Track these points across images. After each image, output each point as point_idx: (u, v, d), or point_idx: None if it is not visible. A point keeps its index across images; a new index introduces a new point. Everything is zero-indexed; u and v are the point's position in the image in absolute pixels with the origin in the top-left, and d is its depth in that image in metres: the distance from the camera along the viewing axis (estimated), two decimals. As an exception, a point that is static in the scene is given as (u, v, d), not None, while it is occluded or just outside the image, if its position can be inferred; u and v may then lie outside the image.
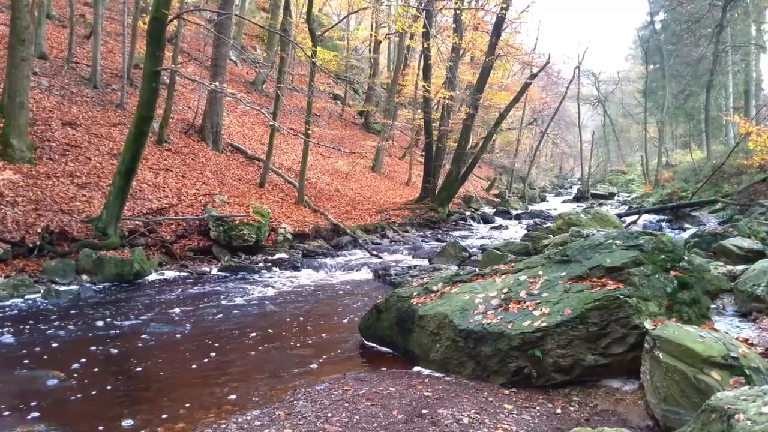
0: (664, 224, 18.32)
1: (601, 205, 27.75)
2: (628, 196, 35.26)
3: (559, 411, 4.42)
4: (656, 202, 25.51)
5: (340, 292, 9.70)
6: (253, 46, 31.11)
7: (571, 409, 4.48)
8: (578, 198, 35.08)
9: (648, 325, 4.60)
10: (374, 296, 9.02)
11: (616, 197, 36.08)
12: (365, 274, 11.23)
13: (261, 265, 11.55)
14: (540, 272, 5.62)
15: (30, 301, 8.08)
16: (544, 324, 4.86)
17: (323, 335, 6.96)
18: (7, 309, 7.67)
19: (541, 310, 5.03)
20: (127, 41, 17.00)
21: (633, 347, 4.68)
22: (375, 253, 13.25)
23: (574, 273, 5.36)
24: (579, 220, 13.35)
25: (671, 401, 3.98)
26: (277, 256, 12.32)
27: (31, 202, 10.28)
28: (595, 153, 54.37)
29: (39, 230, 9.68)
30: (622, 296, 4.80)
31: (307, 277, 10.89)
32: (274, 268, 11.40)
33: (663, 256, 5.38)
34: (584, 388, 4.82)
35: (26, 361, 5.64)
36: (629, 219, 18.66)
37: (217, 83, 12.70)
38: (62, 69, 16.24)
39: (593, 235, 8.06)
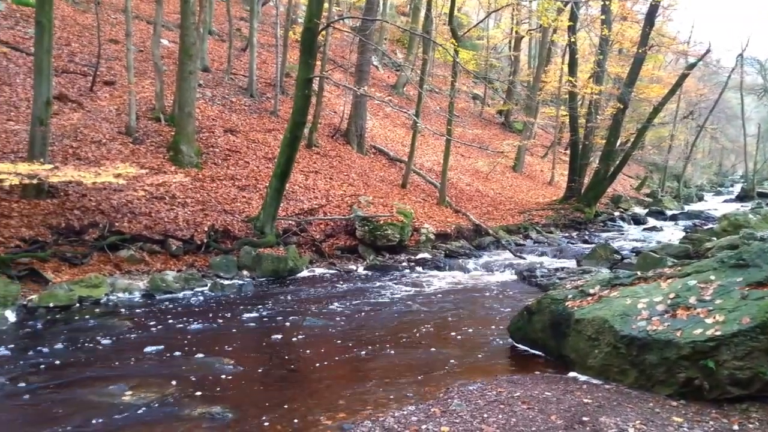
0: None
1: (770, 204, 25.08)
2: (802, 195, 31.56)
3: (736, 427, 4.07)
4: (839, 201, 22.57)
5: (484, 292, 9.62)
6: (394, 50, 31.75)
7: (750, 426, 4.10)
8: (742, 197, 32.11)
9: None
10: (519, 298, 8.84)
11: (787, 196, 32.44)
12: (509, 276, 11.04)
13: (404, 264, 11.74)
14: (712, 277, 5.18)
15: (199, 294, 8.84)
16: (718, 333, 4.48)
17: (470, 335, 6.94)
18: (180, 300, 8.44)
19: (714, 317, 4.64)
20: (279, 52, 18.07)
21: (826, 363, 4.19)
22: (518, 254, 12.98)
23: (752, 278, 4.89)
24: (747, 221, 12.14)
25: None
26: (419, 255, 12.44)
27: (199, 203, 11.26)
28: (761, 148, 49.15)
29: (206, 229, 10.58)
30: (812, 305, 4.30)
31: (449, 277, 10.91)
32: (417, 268, 11.54)
33: None
34: (764, 405, 4.40)
35: (200, 349, 6.17)
36: (807, 220, 16.64)
37: (365, 88, 13.11)
38: (223, 80, 17.63)
39: (770, 237, 7.30)
